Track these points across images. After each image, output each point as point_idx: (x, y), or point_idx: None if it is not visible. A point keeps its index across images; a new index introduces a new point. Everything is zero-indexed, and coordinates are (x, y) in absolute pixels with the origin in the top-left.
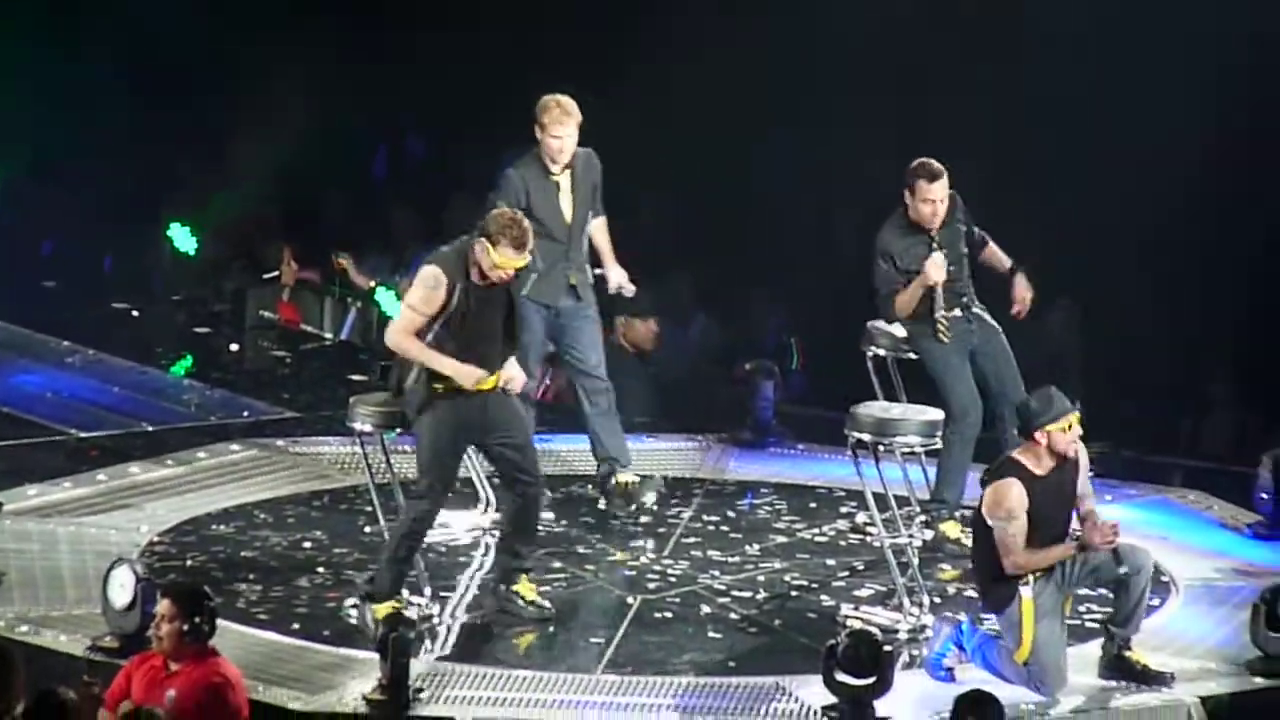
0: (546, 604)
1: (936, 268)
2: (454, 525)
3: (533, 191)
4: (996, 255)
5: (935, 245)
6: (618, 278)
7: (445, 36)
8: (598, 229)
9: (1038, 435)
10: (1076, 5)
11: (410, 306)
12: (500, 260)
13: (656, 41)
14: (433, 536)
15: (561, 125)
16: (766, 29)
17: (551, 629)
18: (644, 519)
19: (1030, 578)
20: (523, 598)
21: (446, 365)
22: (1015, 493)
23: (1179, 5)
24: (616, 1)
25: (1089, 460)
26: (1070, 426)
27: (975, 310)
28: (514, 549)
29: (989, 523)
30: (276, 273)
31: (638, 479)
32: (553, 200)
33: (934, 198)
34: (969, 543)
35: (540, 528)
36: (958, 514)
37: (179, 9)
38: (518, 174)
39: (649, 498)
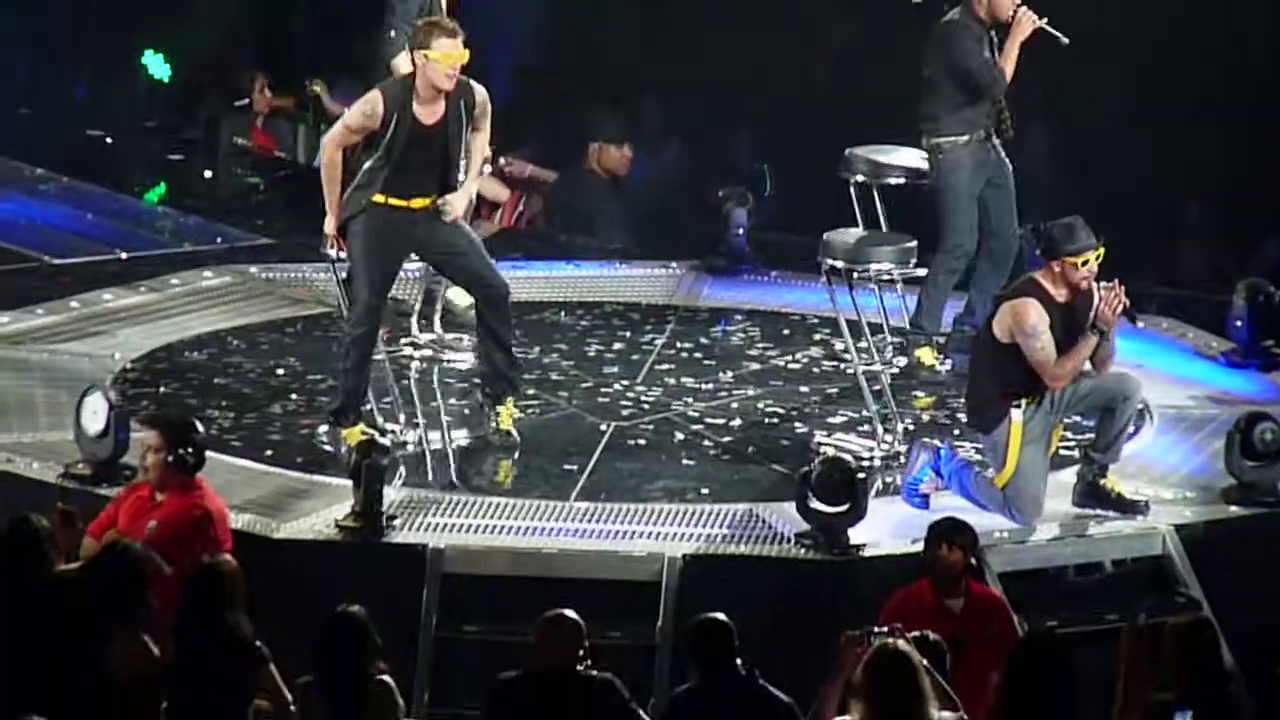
0: (515, 434)
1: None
2: (425, 346)
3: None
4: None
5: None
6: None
7: None
8: None
9: (1054, 264)
10: None
11: (344, 122)
12: (438, 55)
13: None
14: (404, 361)
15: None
16: None
17: (526, 456)
18: (617, 347)
19: (1022, 401)
20: (498, 423)
21: (331, 195)
22: (1034, 310)
23: None
24: None
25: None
26: (1086, 262)
27: (999, 140)
28: (492, 360)
29: (1015, 341)
30: (248, 100)
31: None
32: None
33: None
34: (943, 369)
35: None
36: (934, 341)
37: None
38: None
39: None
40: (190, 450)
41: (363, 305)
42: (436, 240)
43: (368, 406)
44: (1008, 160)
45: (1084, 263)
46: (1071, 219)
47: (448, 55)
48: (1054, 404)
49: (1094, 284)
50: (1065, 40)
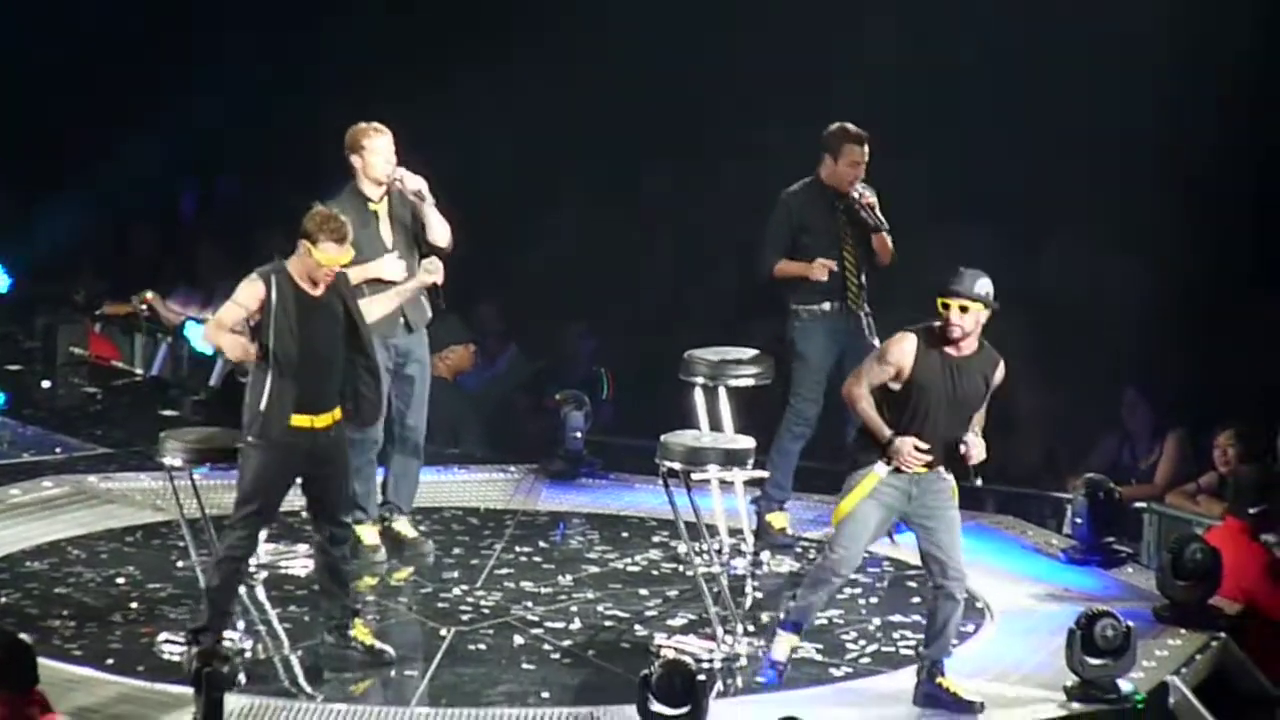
0: (388, 648)
1: (822, 269)
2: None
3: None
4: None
5: (843, 220)
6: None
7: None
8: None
9: (940, 307)
10: None
11: (230, 301)
12: (322, 257)
13: (465, 75)
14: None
15: (380, 139)
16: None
17: (366, 662)
18: (456, 551)
19: (890, 462)
20: (361, 643)
21: (224, 340)
22: (900, 346)
23: None
24: (422, 31)
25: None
26: (946, 306)
27: (858, 308)
28: (333, 594)
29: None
30: (83, 299)
31: (414, 534)
32: (372, 230)
33: (860, 160)
34: (793, 533)
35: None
36: (785, 507)
37: None
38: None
39: (426, 551)
40: (18, 666)
41: (245, 531)
42: (325, 459)
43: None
44: (870, 334)
45: (949, 306)
46: (966, 268)
47: (332, 259)
48: (909, 500)
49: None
50: (885, 227)
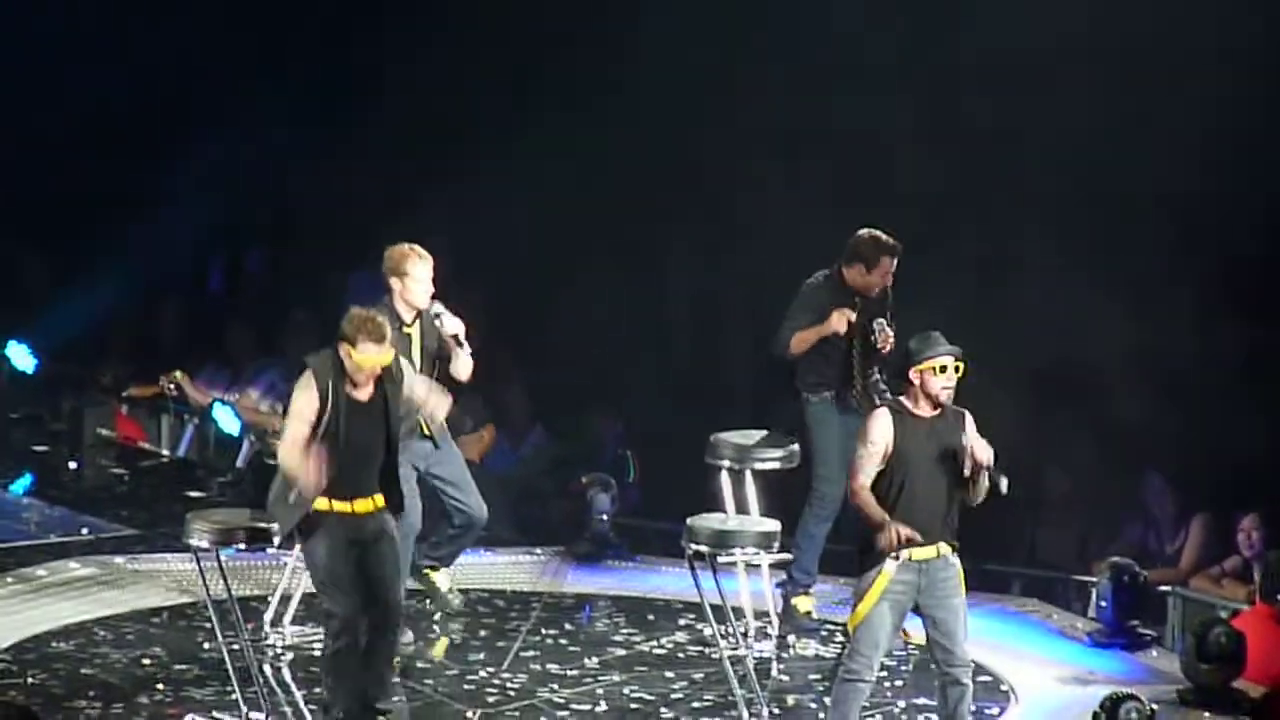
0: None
1: (841, 318)
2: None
3: None
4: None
5: (862, 319)
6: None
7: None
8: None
9: (911, 374)
10: None
11: (294, 415)
12: (361, 359)
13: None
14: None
15: (422, 266)
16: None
17: None
18: (482, 633)
19: (900, 558)
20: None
21: (307, 468)
22: (878, 422)
23: None
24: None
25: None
26: (943, 369)
27: (860, 403)
28: (368, 676)
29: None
30: (113, 382)
31: (448, 586)
32: (403, 352)
33: (890, 270)
34: (819, 616)
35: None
36: (811, 590)
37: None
38: None
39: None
40: None
41: (340, 615)
42: (375, 538)
43: (233, 694)
44: None
45: (941, 369)
46: (929, 331)
47: (371, 360)
48: (920, 592)
49: (968, 431)
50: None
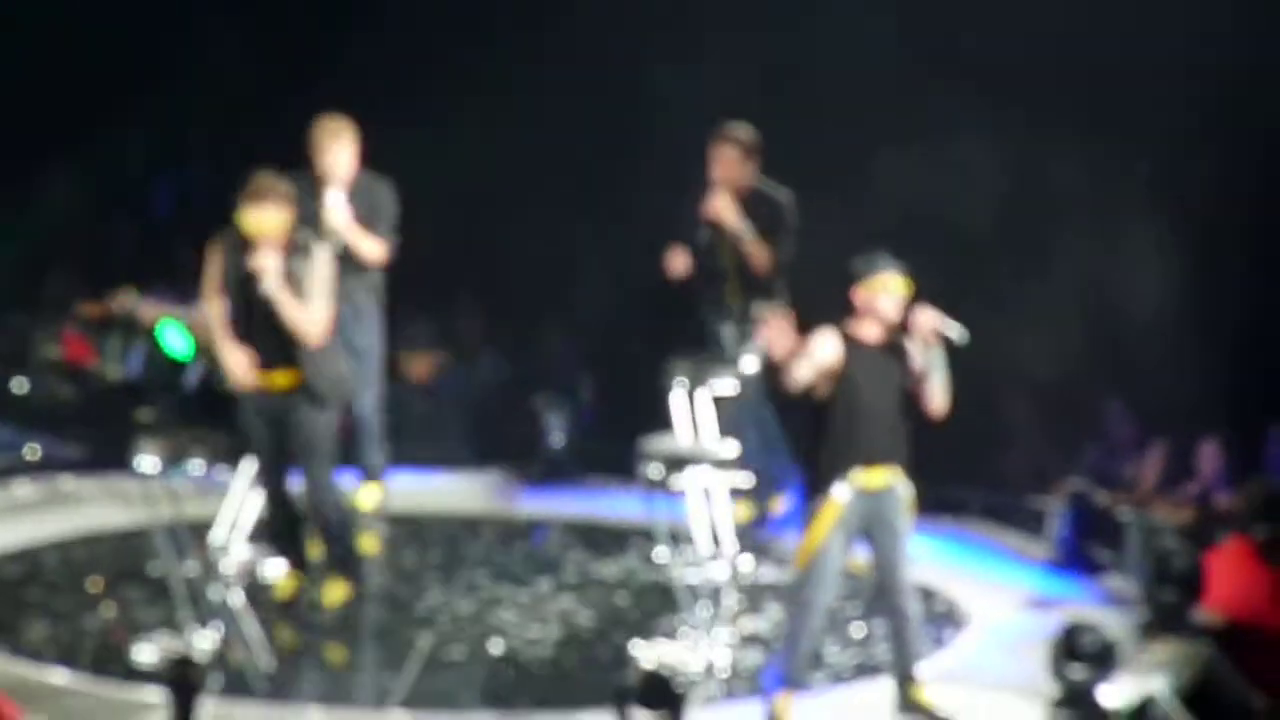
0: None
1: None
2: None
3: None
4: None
5: None
6: None
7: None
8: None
9: (857, 297)
10: None
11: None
12: (243, 222)
13: (450, 72)
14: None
15: (332, 143)
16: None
17: (347, 668)
18: (433, 558)
19: (850, 483)
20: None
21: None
22: (819, 337)
23: None
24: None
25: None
26: (885, 288)
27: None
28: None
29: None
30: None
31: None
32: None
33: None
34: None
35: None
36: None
37: None
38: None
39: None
40: None
41: None
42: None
43: (181, 616)
44: None
45: (884, 287)
46: (873, 251)
47: (249, 220)
48: (867, 516)
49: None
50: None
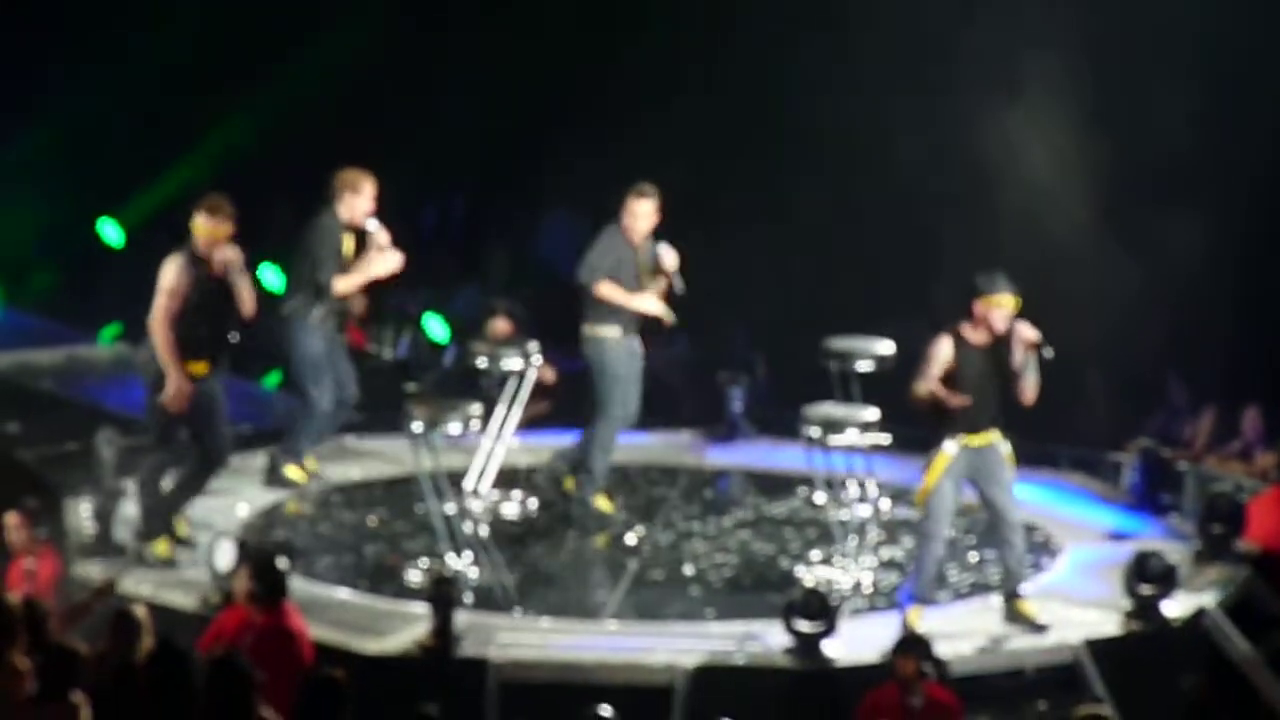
0: None
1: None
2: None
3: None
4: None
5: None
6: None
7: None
8: None
9: (975, 307)
10: None
11: (163, 292)
12: (197, 229)
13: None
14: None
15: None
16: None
17: (567, 586)
18: (638, 499)
19: (959, 440)
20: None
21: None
22: (937, 346)
23: None
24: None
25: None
26: (1002, 305)
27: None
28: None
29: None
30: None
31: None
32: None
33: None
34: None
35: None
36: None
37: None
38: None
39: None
40: (270, 580)
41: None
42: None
43: (440, 546)
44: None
45: (1000, 304)
46: (995, 272)
47: (202, 229)
48: (973, 471)
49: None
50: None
